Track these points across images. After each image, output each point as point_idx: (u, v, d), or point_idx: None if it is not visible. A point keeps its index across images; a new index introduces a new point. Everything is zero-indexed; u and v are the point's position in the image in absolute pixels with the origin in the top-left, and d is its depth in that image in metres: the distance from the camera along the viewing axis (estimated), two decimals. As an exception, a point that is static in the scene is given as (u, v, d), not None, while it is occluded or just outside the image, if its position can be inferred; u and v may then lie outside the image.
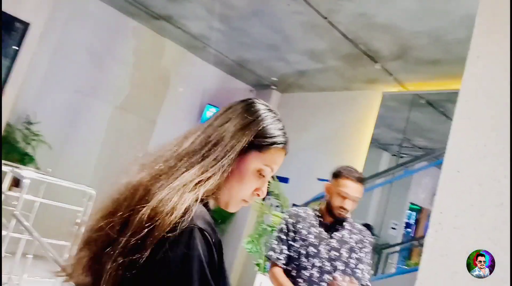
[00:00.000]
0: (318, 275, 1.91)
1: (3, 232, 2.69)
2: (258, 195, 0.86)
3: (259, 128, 0.83)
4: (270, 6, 3.92)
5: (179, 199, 0.71)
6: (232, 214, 5.68)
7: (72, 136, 5.02)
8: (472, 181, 1.30)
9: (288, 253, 1.99)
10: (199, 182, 0.75)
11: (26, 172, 3.05)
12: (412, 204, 5.69)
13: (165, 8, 4.67)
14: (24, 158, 4.38)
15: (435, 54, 3.94)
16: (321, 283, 1.90)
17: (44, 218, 3.85)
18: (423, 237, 5.41)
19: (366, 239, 2.03)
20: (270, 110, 0.88)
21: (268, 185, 0.91)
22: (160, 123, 5.78)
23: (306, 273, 1.92)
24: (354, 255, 1.97)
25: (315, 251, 1.95)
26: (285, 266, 1.98)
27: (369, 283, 1.95)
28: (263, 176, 0.85)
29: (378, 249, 5.09)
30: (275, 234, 2.08)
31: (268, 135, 0.83)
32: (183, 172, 0.76)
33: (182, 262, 0.68)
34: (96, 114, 5.25)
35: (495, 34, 1.39)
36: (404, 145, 5.21)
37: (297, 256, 1.97)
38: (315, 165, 5.43)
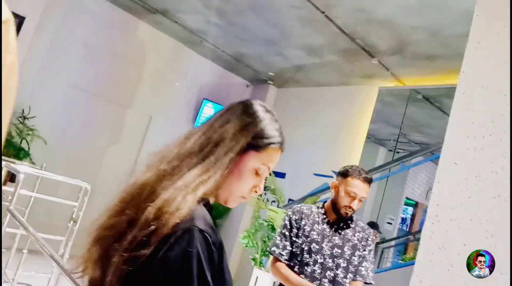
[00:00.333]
0: (320, 271, 1.93)
1: (-2, 227, 2.67)
2: (256, 192, 0.91)
3: (257, 129, 0.88)
4: (267, 0, 3.90)
5: (182, 200, 0.75)
6: (228, 209, 5.69)
7: (68, 131, 4.99)
8: (469, 173, 1.29)
9: (291, 249, 2.01)
10: (200, 182, 0.80)
11: (21, 167, 3.03)
12: (408, 199, 5.70)
13: (161, 2, 4.63)
14: (19, 153, 4.35)
15: (432, 49, 3.93)
16: (323, 279, 1.92)
17: (39, 213, 3.83)
18: (418, 231, 5.42)
19: (369, 237, 2.05)
20: (267, 111, 0.93)
21: (265, 180, 0.96)
22: (156, 118, 5.76)
23: (308, 269, 1.94)
24: (357, 252, 1.99)
25: (318, 247, 1.97)
26: (287, 262, 2.00)
27: (372, 281, 1.97)
28: (260, 174, 0.90)
29: (375, 244, 5.09)
30: (278, 230, 2.10)
31: (265, 136, 0.88)
32: (186, 172, 0.80)
33: (181, 261, 0.71)
34: (91, 109, 5.21)
35: (494, 26, 1.38)
36: (400, 140, 5.21)
37: (299, 252, 1.99)
38: (311, 160, 5.43)
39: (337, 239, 2.00)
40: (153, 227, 0.73)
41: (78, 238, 3.01)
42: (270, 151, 0.89)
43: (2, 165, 3.09)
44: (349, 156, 5.04)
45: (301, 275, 1.94)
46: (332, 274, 1.93)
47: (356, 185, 1.96)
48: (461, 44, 1.44)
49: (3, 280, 3.06)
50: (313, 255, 1.95)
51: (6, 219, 2.72)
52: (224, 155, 0.83)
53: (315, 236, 1.99)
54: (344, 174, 2.03)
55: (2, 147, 0.55)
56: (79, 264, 0.84)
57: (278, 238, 2.06)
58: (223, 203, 0.90)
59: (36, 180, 3.58)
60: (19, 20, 4.29)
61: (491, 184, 1.24)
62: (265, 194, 5.25)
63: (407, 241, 5.63)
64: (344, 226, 2.05)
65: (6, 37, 0.57)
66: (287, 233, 2.04)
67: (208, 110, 6.15)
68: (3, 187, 3.17)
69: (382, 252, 5.13)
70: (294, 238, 2.02)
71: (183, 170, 0.81)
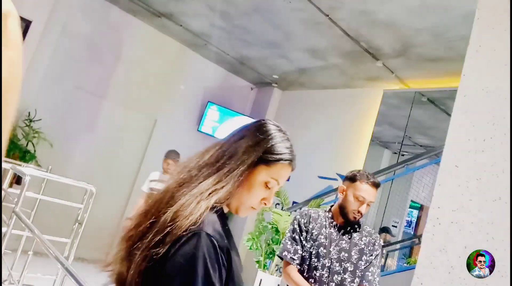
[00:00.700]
0: (327, 275, 1.94)
1: (3, 229, 2.69)
2: (265, 204, 0.98)
3: (268, 146, 0.95)
4: (271, 3, 3.91)
5: (196, 205, 0.84)
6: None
7: (73, 134, 5.03)
8: (470, 176, 1.29)
9: (301, 253, 2.01)
10: (214, 190, 0.88)
11: (27, 169, 3.06)
12: (413, 202, 5.67)
13: (166, 6, 4.67)
14: (25, 155, 4.39)
15: (436, 52, 3.92)
16: (330, 283, 1.93)
17: (44, 215, 3.87)
18: (424, 235, 5.36)
19: (376, 242, 2.05)
20: (280, 130, 1.00)
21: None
22: (161, 121, 5.78)
23: (317, 274, 1.94)
24: (364, 257, 1.99)
25: (325, 251, 1.97)
26: (298, 266, 2.00)
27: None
28: (270, 188, 0.96)
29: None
30: (288, 234, 2.09)
31: (275, 152, 0.96)
32: (201, 182, 0.90)
33: (188, 260, 0.79)
34: (97, 112, 5.26)
35: (495, 29, 1.38)
36: (405, 142, 5.19)
37: (308, 257, 1.99)
38: (316, 162, 5.43)
39: (344, 243, 2.00)
40: (169, 228, 0.81)
41: (83, 240, 3.03)
42: (280, 167, 0.96)
43: (8, 167, 3.13)
44: (353, 159, 5.03)
45: (310, 280, 1.94)
46: (340, 278, 1.93)
47: (365, 190, 1.96)
48: (465, 46, 1.44)
49: (9, 281, 3.09)
50: (321, 259, 1.96)
51: (12, 221, 2.75)
52: (237, 167, 0.91)
53: (322, 240, 1.99)
54: (352, 178, 2.03)
55: (3, 146, 0.55)
56: (110, 260, 0.92)
57: (289, 242, 2.05)
58: (234, 212, 0.97)
59: (41, 182, 3.61)
60: (26, 24, 4.35)
61: (492, 187, 1.24)
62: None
63: (412, 244, 5.60)
64: (351, 230, 2.05)
65: (5, 32, 0.54)
66: (297, 237, 2.04)
67: (213, 113, 6.17)
68: (9, 189, 3.20)
69: (387, 255, 5.11)
70: (304, 242, 2.02)
71: (200, 179, 0.90)
